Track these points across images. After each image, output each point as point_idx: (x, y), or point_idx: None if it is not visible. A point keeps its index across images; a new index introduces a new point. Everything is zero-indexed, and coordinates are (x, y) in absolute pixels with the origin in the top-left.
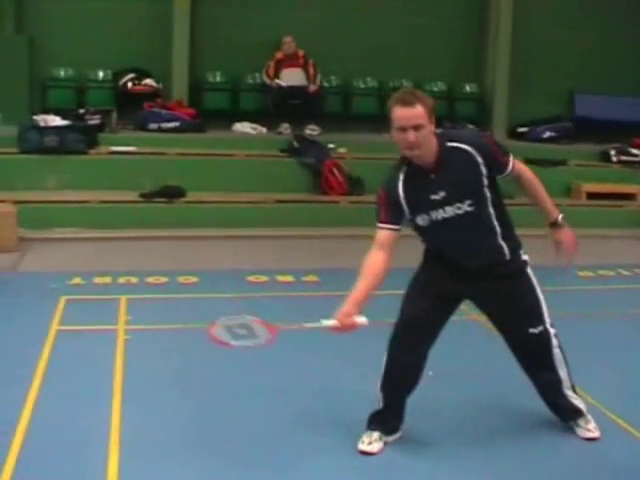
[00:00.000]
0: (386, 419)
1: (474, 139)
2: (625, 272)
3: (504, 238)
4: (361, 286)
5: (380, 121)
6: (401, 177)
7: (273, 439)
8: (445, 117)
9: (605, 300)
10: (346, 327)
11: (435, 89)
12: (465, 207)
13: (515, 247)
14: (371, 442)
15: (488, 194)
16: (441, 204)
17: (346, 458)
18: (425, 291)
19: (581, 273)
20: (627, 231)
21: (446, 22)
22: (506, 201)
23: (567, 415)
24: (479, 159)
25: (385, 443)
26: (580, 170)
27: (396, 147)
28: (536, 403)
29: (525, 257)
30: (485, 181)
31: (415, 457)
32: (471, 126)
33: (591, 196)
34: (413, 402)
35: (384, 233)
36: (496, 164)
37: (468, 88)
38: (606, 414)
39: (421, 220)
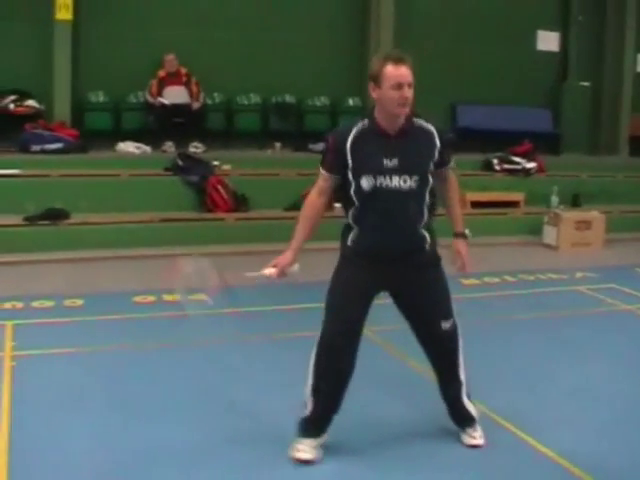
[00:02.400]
0: (316, 425)
1: (439, 127)
2: (510, 278)
3: (427, 228)
4: (300, 234)
5: (264, 137)
6: (354, 130)
7: (200, 458)
8: (328, 131)
9: (492, 306)
10: (282, 275)
11: (318, 103)
12: (410, 182)
13: (433, 239)
14: (304, 450)
15: (430, 179)
16: (391, 171)
17: (280, 470)
18: (349, 292)
19: (466, 281)
20: (511, 238)
21: (327, 37)
22: None
23: (461, 419)
24: (437, 142)
25: (319, 447)
26: (464, 179)
27: (280, 162)
28: (416, 412)
29: (439, 254)
30: (432, 166)
31: (345, 466)
32: None
33: (475, 205)
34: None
35: (325, 180)
36: (443, 157)
37: (351, 102)
38: (497, 420)
39: (365, 182)
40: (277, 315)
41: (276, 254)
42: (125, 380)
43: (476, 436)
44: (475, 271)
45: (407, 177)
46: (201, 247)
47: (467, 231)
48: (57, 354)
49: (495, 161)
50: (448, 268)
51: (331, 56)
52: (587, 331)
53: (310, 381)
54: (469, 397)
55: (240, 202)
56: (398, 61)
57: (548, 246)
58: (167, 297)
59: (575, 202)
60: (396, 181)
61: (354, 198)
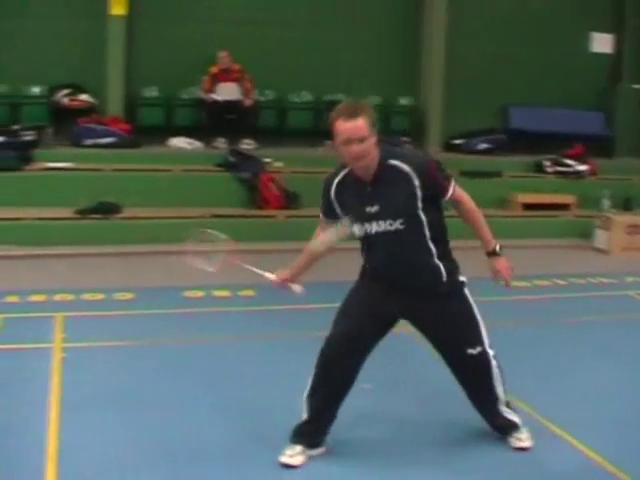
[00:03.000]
0: (310, 432)
1: (415, 161)
2: (560, 281)
3: (440, 258)
4: (300, 262)
5: (315, 135)
6: (335, 181)
7: (211, 455)
8: (380, 131)
9: (541, 309)
10: (278, 285)
11: (370, 102)
12: (397, 225)
13: (452, 268)
14: (293, 455)
15: (423, 217)
16: (375, 217)
17: (268, 472)
18: (361, 308)
19: (517, 283)
20: (562, 241)
21: (381, 36)
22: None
23: (503, 429)
24: (416, 182)
25: (308, 457)
26: (515, 181)
27: (331, 160)
28: (468, 414)
29: (462, 278)
30: (419, 204)
31: (343, 469)
32: (405, 139)
33: (526, 207)
34: (346, 414)
35: (321, 221)
36: (435, 189)
37: (403, 101)
38: (540, 421)
39: (357, 229)
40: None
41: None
42: (172, 376)
43: (523, 438)
44: (525, 273)
45: (391, 221)
46: (251, 244)
47: (497, 247)
48: (106, 347)
49: (547, 163)
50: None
51: (383, 55)
52: (637, 336)
53: (308, 387)
54: (508, 405)
55: (291, 199)
56: (348, 116)
57: (599, 250)
58: (216, 293)
59: (627, 206)
60: (383, 225)
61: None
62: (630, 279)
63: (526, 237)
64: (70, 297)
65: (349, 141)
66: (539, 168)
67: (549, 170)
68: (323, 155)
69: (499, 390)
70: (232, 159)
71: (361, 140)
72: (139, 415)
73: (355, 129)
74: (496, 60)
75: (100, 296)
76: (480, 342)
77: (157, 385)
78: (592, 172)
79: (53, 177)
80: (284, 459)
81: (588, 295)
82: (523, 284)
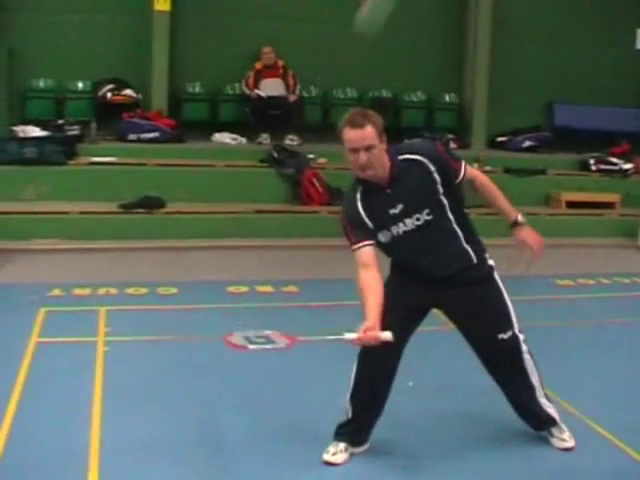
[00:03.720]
0: (353, 430)
1: (425, 148)
2: (605, 280)
3: (468, 242)
4: (372, 303)
5: None
6: (358, 197)
7: (247, 452)
8: (425, 127)
9: (586, 308)
10: (369, 340)
11: (415, 99)
12: (424, 217)
13: (480, 251)
14: (336, 453)
15: (445, 201)
16: (400, 217)
17: (313, 470)
18: (397, 302)
19: (561, 282)
20: (607, 240)
21: (426, 33)
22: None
23: (540, 424)
24: (431, 167)
25: (352, 454)
26: (559, 179)
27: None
28: (508, 414)
29: (491, 262)
30: (440, 189)
31: (385, 469)
32: (450, 136)
33: (570, 205)
34: (389, 413)
35: (362, 252)
36: (448, 171)
37: (447, 98)
38: (583, 420)
39: (383, 237)
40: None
41: None
42: (212, 372)
43: (566, 438)
44: (569, 272)
45: (417, 215)
46: (295, 240)
47: (520, 217)
48: (150, 341)
49: (592, 161)
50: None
51: (428, 52)
52: None
53: (350, 388)
54: (547, 398)
55: (334, 196)
56: (355, 125)
57: None
58: (260, 288)
59: None
60: (409, 223)
61: (382, 250)
62: None
63: (570, 236)
64: (114, 291)
65: (356, 150)
66: (584, 166)
67: (594, 168)
68: None
69: (534, 379)
70: (276, 155)
71: (368, 148)
72: (180, 410)
73: (362, 137)
74: (541, 57)
75: (144, 290)
76: (511, 326)
77: (199, 381)
78: (637, 170)
79: (97, 172)
80: (327, 457)
81: (634, 295)
82: (567, 282)
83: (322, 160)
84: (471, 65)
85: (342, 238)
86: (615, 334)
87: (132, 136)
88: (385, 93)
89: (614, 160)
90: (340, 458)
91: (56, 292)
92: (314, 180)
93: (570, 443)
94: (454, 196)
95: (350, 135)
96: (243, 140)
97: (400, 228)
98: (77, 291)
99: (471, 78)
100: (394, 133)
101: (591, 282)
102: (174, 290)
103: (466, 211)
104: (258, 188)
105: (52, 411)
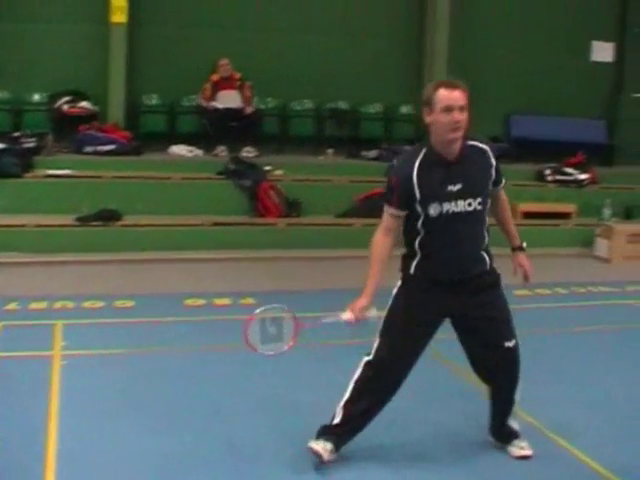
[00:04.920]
0: (340, 434)
1: (490, 144)
2: (562, 290)
3: (485, 249)
4: (374, 278)
5: (317, 143)
6: (417, 163)
7: (208, 461)
8: (382, 138)
9: (542, 318)
10: (359, 320)
11: (372, 110)
12: (475, 204)
13: (491, 258)
14: (323, 448)
15: (488, 200)
16: (456, 196)
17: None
18: (414, 320)
19: (518, 292)
20: (563, 250)
21: (382, 44)
22: None
23: (505, 439)
24: (492, 161)
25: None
26: (517, 190)
27: (333, 168)
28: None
29: (498, 271)
30: (490, 185)
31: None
32: (408, 148)
33: (527, 215)
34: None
35: (392, 218)
36: (499, 173)
37: (405, 109)
38: (542, 431)
39: (432, 210)
40: None
41: (327, 260)
42: (173, 383)
43: (524, 446)
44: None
45: (471, 200)
46: (252, 252)
47: (524, 244)
48: (106, 355)
49: (547, 172)
50: (507, 278)
51: (385, 63)
52: (638, 345)
53: (348, 395)
54: (514, 415)
55: (292, 207)
56: (450, 85)
57: (600, 258)
58: (217, 301)
59: (628, 215)
60: (461, 205)
61: (419, 227)
62: (631, 288)
63: (527, 246)
64: (70, 304)
65: (450, 108)
66: (540, 177)
67: (550, 179)
68: (324, 163)
69: (517, 395)
70: (233, 167)
71: (461, 109)
72: (136, 422)
73: (458, 97)
74: (498, 69)
75: (100, 304)
76: (514, 335)
77: (155, 392)
78: (593, 181)
79: (54, 184)
80: (313, 445)
81: (590, 304)
82: (524, 292)
83: (279, 172)
84: (429, 76)
85: (300, 250)
86: (572, 343)
87: (89, 148)
88: (343, 105)
89: (569, 170)
90: (324, 453)
91: (12, 306)
92: (271, 192)
93: (528, 452)
94: (488, 200)
95: (446, 94)
96: (200, 152)
97: (452, 207)
98: (33, 305)
99: None
100: (352, 144)
101: (548, 292)
102: (131, 303)
103: None
104: (215, 200)
105: (6, 424)
